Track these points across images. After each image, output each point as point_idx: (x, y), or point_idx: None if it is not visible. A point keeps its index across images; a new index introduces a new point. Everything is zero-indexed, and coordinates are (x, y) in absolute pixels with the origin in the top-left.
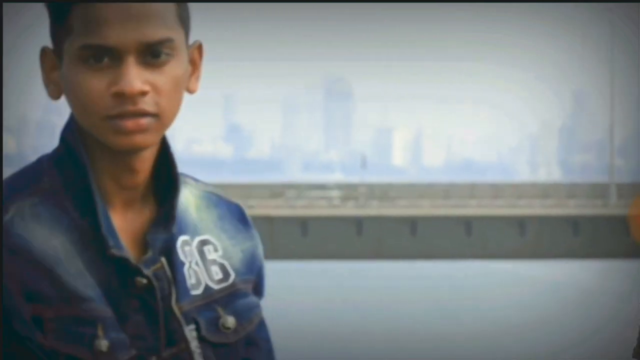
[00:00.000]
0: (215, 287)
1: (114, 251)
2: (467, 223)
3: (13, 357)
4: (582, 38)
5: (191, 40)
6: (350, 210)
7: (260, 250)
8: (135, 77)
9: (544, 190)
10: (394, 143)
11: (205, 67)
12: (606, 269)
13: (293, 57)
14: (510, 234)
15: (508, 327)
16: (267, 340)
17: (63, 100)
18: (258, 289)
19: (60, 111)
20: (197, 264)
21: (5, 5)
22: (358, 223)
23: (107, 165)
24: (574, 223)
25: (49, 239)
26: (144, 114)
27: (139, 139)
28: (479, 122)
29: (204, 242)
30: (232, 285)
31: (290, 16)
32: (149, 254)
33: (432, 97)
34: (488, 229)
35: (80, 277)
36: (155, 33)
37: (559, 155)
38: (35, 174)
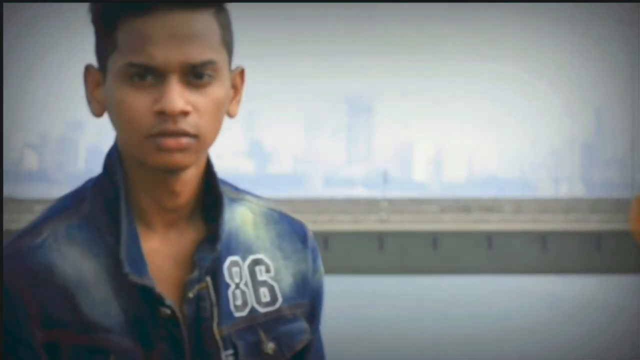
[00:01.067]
0: (261, 310)
1: (133, 278)
2: (489, 238)
3: None
4: (602, 53)
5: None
6: (371, 225)
7: (317, 275)
8: (178, 96)
9: (567, 206)
10: (415, 158)
11: None
12: (629, 284)
13: (315, 73)
14: (533, 249)
15: (529, 342)
16: None
17: (85, 117)
18: (313, 313)
19: (82, 127)
20: (246, 284)
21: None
22: (380, 238)
23: (148, 187)
24: (596, 238)
25: (79, 263)
26: (185, 133)
27: (179, 157)
28: (501, 138)
29: (256, 262)
30: (278, 310)
31: (311, 31)
32: (195, 273)
33: (452, 113)
34: (510, 244)
35: (102, 305)
36: (199, 54)
37: (581, 170)
38: (77, 198)
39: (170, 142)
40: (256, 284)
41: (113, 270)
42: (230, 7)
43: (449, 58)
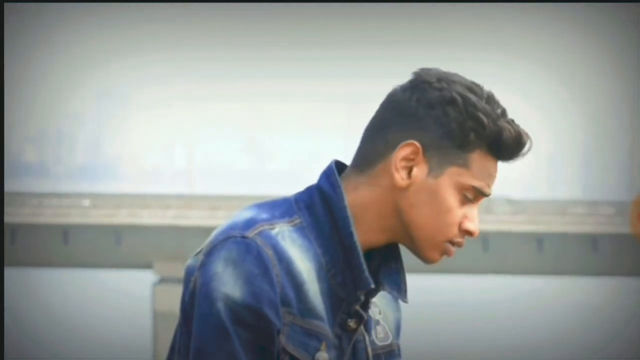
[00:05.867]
0: (379, 343)
1: (361, 294)
2: (485, 239)
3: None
4: (603, 54)
5: None
6: None
7: (401, 321)
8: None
9: (564, 207)
10: None
11: (229, 81)
12: (625, 287)
13: (315, 73)
14: (528, 250)
15: (524, 343)
16: None
17: (83, 110)
18: (400, 352)
19: (80, 122)
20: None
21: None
22: None
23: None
24: (593, 240)
25: (299, 261)
26: None
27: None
28: None
29: (374, 304)
30: (390, 345)
31: (315, 32)
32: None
33: None
34: (505, 244)
35: (316, 298)
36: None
37: (579, 172)
38: (288, 210)
39: (454, 251)
40: (372, 322)
41: (317, 273)
42: (236, 7)
43: (448, 59)
